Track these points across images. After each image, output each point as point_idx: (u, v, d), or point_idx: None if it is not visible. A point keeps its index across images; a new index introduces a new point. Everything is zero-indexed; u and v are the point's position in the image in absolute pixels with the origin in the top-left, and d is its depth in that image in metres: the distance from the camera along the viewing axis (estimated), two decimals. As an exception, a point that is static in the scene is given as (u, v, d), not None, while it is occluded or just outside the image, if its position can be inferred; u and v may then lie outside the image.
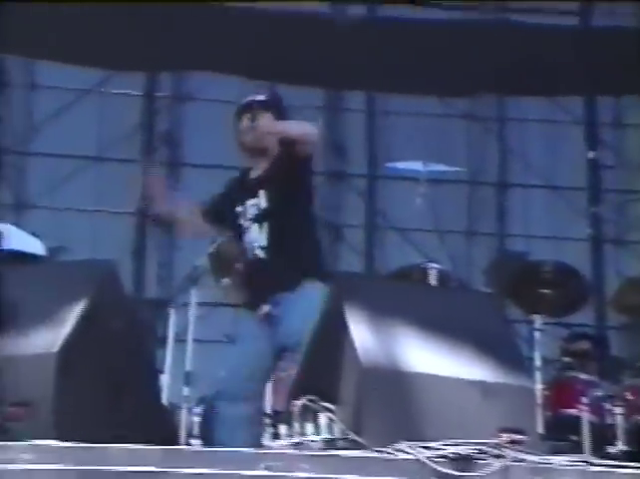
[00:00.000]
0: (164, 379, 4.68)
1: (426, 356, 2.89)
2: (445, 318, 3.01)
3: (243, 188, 3.78)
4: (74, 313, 2.79)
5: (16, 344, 2.78)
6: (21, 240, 4.84)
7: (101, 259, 3.14)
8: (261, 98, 3.78)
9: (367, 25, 9.09)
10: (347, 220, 8.94)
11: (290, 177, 3.64)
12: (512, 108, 9.24)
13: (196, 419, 5.23)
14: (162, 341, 4.91)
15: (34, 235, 5.17)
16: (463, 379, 2.88)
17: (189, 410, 4.79)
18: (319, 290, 3.47)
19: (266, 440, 3.38)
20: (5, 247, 4.66)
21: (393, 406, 2.78)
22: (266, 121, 3.68)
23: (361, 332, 2.83)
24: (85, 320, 2.81)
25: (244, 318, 3.77)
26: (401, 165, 5.84)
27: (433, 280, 4.59)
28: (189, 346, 4.62)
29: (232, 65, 8.76)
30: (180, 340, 4.70)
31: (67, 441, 2.52)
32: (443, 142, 8.42)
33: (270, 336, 3.58)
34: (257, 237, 3.67)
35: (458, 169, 6.66)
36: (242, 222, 3.73)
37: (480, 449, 2.55)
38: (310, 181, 3.81)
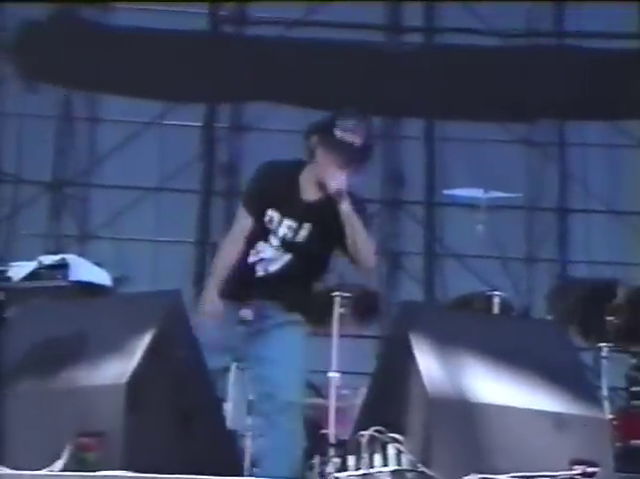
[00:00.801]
0: (228, 408, 4.71)
1: (493, 386, 2.87)
2: (511, 347, 2.99)
3: (286, 200, 3.68)
4: (142, 344, 2.82)
5: (86, 375, 2.82)
6: (87, 271, 4.93)
7: (167, 290, 3.18)
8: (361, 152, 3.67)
9: (424, 52, 9.11)
10: (406, 247, 8.91)
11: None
12: (572, 132, 9.16)
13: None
14: (225, 370, 4.94)
15: (98, 265, 5.26)
16: (532, 410, 2.85)
17: (253, 439, 4.80)
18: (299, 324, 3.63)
19: (334, 471, 3.37)
20: (73, 278, 4.76)
21: (462, 437, 2.76)
22: (345, 194, 3.57)
23: (427, 362, 2.82)
24: (152, 351, 2.84)
25: None
26: (459, 191, 5.82)
27: (495, 308, 4.56)
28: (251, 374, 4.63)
29: (291, 95, 8.84)
30: (242, 369, 4.72)
31: (137, 471, 2.55)
32: (502, 168, 8.37)
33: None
34: (275, 258, 3.67)
35: (517, 194, 6.60)
36: (270, 233, 3.67)
37: (551, 481, 2.51)
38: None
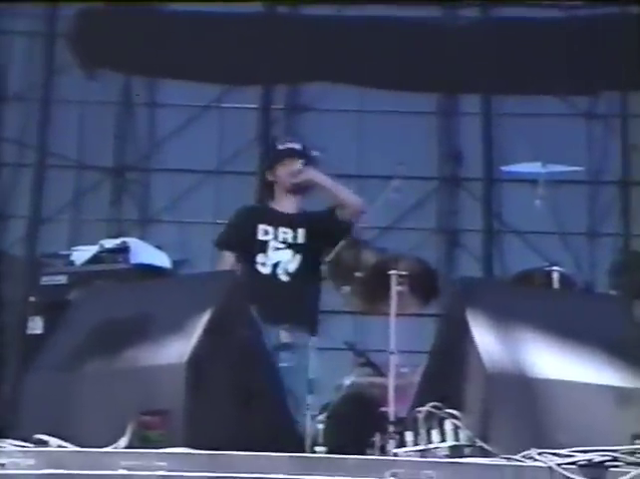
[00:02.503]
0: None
1: (552, 361, 2.85)
2: (570, 322, 2.96)
3: (271, 217, 4.24)
4: (201, 324, 2.86)
5: (148, 355, 2.88)
6: (148, 254, 5.01)
7: (224, 270, 3.22)
8: (302, 148, 4.37)
9: (482, 26, 9.00)
10: (464, 224, 8.85)
11: (336, 231, 4.13)
12: (634, 104, 8.97)
13: (320, 426, 5.27)
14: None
15: (158, 248, 5.33)
16: (593, 384, 2.82)
17: (313, 418, 4.84)
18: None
19: (392, 447, 3.39)
20: (134, 261, 4.84)
21: (520, 412, 2.74)
22: (314, 172, 4.25)
23: (484, 338, 2.81)
24: (212, 331, 2.88)
25: None
26: (518, 167, 5.74)
27: (555, 284, 4.50)
28: (311, 354, 4.66)
29: (347, 75, 8.81)
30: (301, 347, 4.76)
31: (198, 448, 2.60)
32: (562, 142, 8.24)
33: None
34: (287, 260, 4.12)
35: (578, 168, 6.49)
36: (269, 241, 4.16)
37: (613, 456, 2.48)
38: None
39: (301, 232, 4.21)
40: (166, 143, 9.04)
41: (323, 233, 4.20)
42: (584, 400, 2.78)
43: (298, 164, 4.29)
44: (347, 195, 4.28)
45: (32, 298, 4.76)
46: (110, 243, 4.91)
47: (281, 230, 4.20)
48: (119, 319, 2.98)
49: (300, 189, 4.31)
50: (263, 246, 4.16)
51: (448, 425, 2.75)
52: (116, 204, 8.96)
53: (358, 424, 4.38)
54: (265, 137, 9.08)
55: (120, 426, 2.74)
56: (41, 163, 8.69)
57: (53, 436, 2.75)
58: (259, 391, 3.06)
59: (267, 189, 4.41)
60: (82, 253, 4.91)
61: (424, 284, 4.56)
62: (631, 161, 8.86)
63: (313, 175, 4.29)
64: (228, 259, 4.17)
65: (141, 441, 2.72)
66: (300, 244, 4.19)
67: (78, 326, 3.06)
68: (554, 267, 4.66)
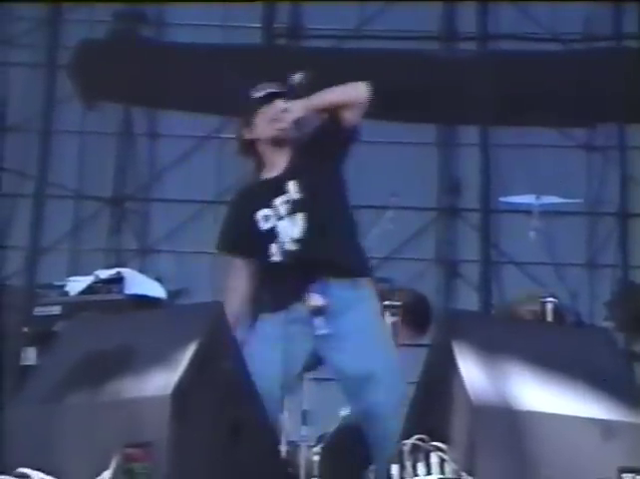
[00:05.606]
0: (283, 419, 4.72)
1: (539, 394, 2.83)
2: (557, 355, 2.95)
3: (262, 192, 3.45)
4: (186, 356, 2.85)
5: (132, 387, 2.87)
6: (143, 285, 5.01)
7: (209, 302, 3.21)
8: (282, 87, 3.47)
9: (480, 59, 9.06)
10: (463, 255, 8.86)
11: (333, 151, 3.38)
12: (633, 136, 9.00)
13: (316, 458, 5.24)
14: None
15: (157, 279, 5.35)
16: (579, 417, 2.81)
17: (309, 449, 4.82)
18: (372, 299, 3.33)
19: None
20: (128, 292, 4.85)
21: (506, 445, 2.73)
22: (301, 102, 3.37)
23: (471, 370, 2.80)
24: (197, 362, 2.87)
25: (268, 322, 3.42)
26: (514, 198, 5.79)
27: (549, 315, 4.51)
28: (305, 385, 4.65)
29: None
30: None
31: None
32: (561, 173, 8.27)
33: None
34: (290, 231, 3.34)
35: (574, 200, 6.52)
36: (273, 224, 3.38)
37: (598, 490, 2.47)
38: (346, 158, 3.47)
39: (292, 184, 3.38)
40: (166, 173, 9.10)
41: (321, 156, 3.36)
42: (571, 433, 2.77)
43: (280, 104, 3.43)
44: (344, 90, 3.40)
45: (25, 329, 4.77)
46: (104, 274, 4.92)
47: (279, 202, 3.38)
48: (104, 350, 2.97)
49: (289, 134, 3.44)
50: (271, 236, 3.39)
51: (434, 458, 2.73)
52: (115, 234, 8.99)
53: (354, 456, 4.35)
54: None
55: (104, 459, 2.72)
56: (40, 193, 8.73)
57: (36, 469, 2.73)
58: (245, 423, 3.05)
59: (247, 151, 3.55)
60: (76, 284, 4.92)
61: (418, 315, 4.57)
62: (629, 192, 8.88)
63: (303, 106, 3.39)
64: (239, 268, 3.50)
65: (125, 474, 2.71)
66: (297, 201, 3.36)
67: (62, 358, 3.06)
68: (548, 298, 4.68)
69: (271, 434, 3.32)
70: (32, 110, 8.80)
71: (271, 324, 3.39)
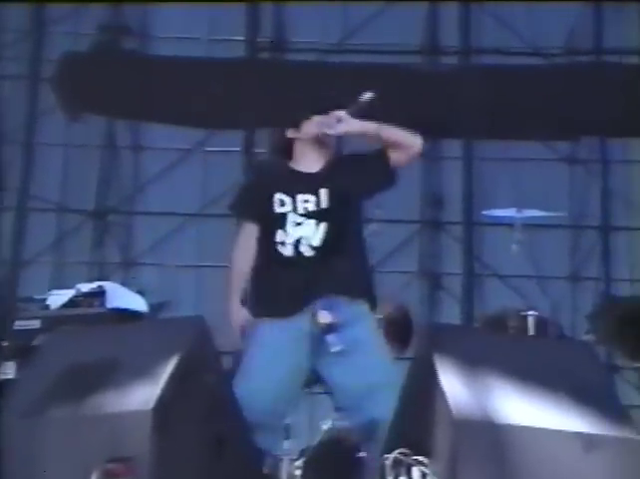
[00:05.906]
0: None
1: (520, 407, 2.83)
2: (539, 368, 2.96)
3: (287, 177, 3.50)
4: (167, 370, 2.84)
5: (113, 402, 2.85)
6: (125, 298, 5.00)
7: (191, 316, 3.20)
8: (347, 100, 3.51)
9: (462, 73, 9.10)
10: (446, 268, 8.88)
11: (370, 183, 3.47)
12: (615, 150, 9.06)
13: (298, 472, 5.23)
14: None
15: (139, 292, 5.33)
16: (561, 431, 2.81)
17: (291, 463, 4.80)
18: (370, 316, 3.39)
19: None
20: (109, 306, 4.84)
21: (488, 459, 2.73)
22: (359, 122, 3.43)
23: (452, 383, 2.80)
24: (178, 377, 2.86)
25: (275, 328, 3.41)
26: (497, 211, 5.82)
27: (530, 327, 4.52)
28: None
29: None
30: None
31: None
32: (544, 186, 8.32)
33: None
34: (310, 234, 3.37)
35: (556, 213, 6.55)
36: (287, 213, 3.42)
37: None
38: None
39: (324, 193, 3.40)
40: (149, 186, 9.08)
41: (358, 183, 3.43)
42: (552, 447, 2.77)
43: (338, 113, 3.42)
44: (404, 135, 3.47)
45: (5, 343, 4.74)
46: (86, 287, 4.91)
47: (300, 197, 3.41)
48: (84, 364, 2.95)
49: (331, 142, 3.48)
50: (281, 221, 3.41)
51: (415, 472, 2.73)
52: (98, 247, 8.95)
53: (336, 470, 4.35)
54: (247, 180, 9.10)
55: (84, 474, 2.70)
56: (22, 205, 8.69)
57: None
58: (228, 437, 3.04)
59: (282, 149, 3.56)
60: (57, 298, 4.91)
61: (400, 329, 4.57)
62: (612, 206, 8.92)
63: (359, 126, 3.43)
64: (249, 231, 3.50)
65: (106, 489, 2.69)
66: (324, 210, 3.39)
67: (42, 371, 3.03)
68: (529, 311, 4.70)
69: (253, 448, 3.31)
70: (15, 122, 8.78)
71: (271, 333, 3.40)
